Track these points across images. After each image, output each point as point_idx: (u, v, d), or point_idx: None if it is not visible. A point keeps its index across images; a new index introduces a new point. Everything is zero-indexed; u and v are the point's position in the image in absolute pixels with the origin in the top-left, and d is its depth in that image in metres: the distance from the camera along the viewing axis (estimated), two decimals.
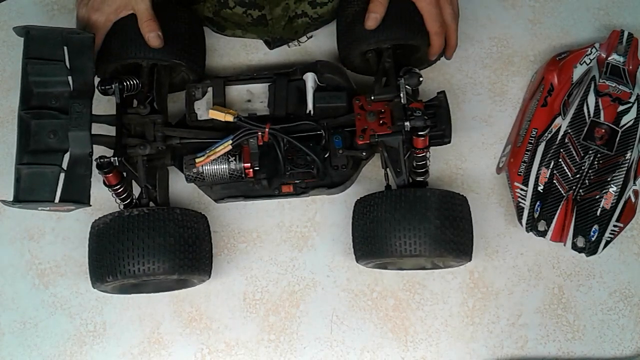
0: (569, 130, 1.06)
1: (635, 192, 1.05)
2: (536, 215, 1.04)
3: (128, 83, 1.00)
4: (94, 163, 0.95)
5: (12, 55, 1.19)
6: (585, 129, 1.06)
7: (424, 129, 0.96)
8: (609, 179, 1.04)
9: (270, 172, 1.01)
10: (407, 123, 0.97)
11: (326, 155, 1.02)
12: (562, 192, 1.04)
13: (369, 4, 1.02)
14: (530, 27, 1.19)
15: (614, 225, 1.03)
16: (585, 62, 1.11)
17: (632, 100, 1.07)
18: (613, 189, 1.03)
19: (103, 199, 1.07)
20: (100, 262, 0.94)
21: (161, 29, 1.01)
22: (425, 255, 0.94)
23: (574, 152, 1.06)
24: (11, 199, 0.94)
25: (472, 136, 1.13)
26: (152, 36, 1.00)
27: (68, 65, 0.97)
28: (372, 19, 1.01)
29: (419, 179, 1.02)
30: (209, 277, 1.01)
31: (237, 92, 1.06)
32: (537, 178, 1.05)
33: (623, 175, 1.04)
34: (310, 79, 1.04)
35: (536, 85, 1.13)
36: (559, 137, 1.06)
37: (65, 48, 0.97)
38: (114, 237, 0.94)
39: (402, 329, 1.05)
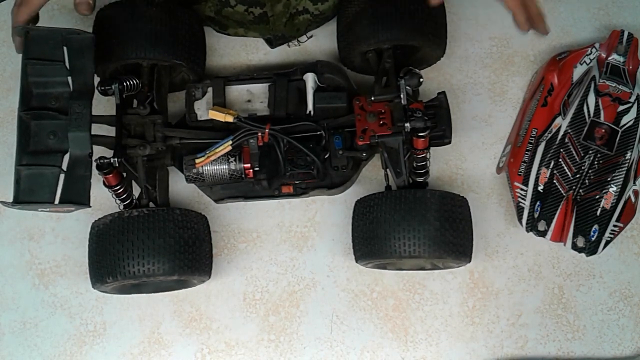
0: (569, 130, 1.06)
1: (635, 192, 1.05)
2: (536, 215, 1.04)
3: (128, 83, 1.00)
4: (94, 164, 0.95)
5: (12, 55, 1.19)
6: (585, 128, 1.06)
7: (424, 129, 0.96)
8: (609, 179, 1.04)
9: (270, 173, 1.01)
10: (407, 124, 0.97)
11: (326, 156, 1.02)
12: (562, 192, 1.04)
13: None
14: None
15: (614, 225, 1.03)
16: (585, 62, 1.11)
17: (632, 100, 1.07)
18: (613, 189, 1.03)
19: (103, 200, 1.07)
20: (100, 263, 0.94)
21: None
22: (424, 257, 0.94)
23: (574, 152, 1.06)
24: (11, 200, 0.94)
25: (472, 136, 1.13)
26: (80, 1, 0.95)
27: (68, 66, 0.97)
28: None
29: (419, 179, 1.02)
30: (209, 277, 1.01)
31: (237, 92, 1.06)
32: (537, 178, 1.05)
33: (623, 175, 1.04)
34: (310, 79, 1.04)
35: (536, 85, 1.13)
36: (559, 137, 1.06)
37: (65, 48, 0.97)
38: (114, 238, 0.94)
39: (402, 329, 1.05)
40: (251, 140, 0.99)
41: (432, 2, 0.97)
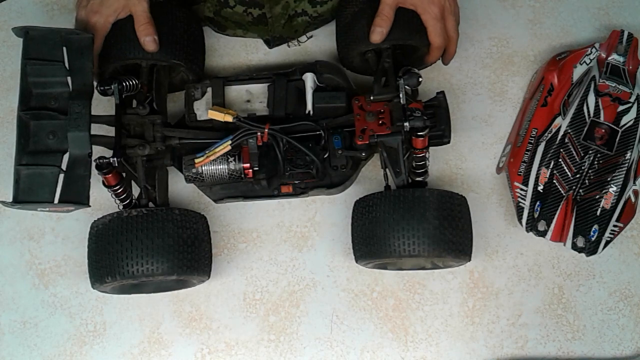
0: (569, 130, 1.06)
1: (635, 192, 1.05)
2: (536, 215, 1.04)
3: (127, 83, 1.00)
4: (93, 164, 0.95)
5: (12, 55, 1.19)
6: (585, 128, 1.06)
7: (423, 129, 0.96)
8: (609, 179, 1.04)
9: (269, 173, 1.01)
10: (406, 123, 0.97)
11: (325, 156, 1.02)
12: (562, 192, 1.04)
13: (375, 18, 1.02)
14: (530, 27, 1.19)
15: (614, 225, 1.03)
16: (585, 62, 1.11)
17: (632, 100, 1.07)
18: (613, 189, 1.03)
19: (103, 200, 1.07)
20: (99, 263, 0.94)
21: (157, 33, 1.01)
22: (424, 256, 0.94)
23: (574, 152, 1.05)
24: (11, 199, 0.94)
25: (472, 136, 1.13)
26: (148, 40, 1.01)
27: (67, 66, 0.97)
28: (378, 33, 1.02)
29: (418, 179, 1.02)
30: (209, 277, 1.01)
31: (236, 92, 1.06)
32: (537, 178, 1.05)
33: (623, 175, 1.04)
34: (309, 79, 1.04)
35: (536, 85, 1.13)
36: (559, 137, 1.06)
37: (64, 49, 0.97)
38: (113, 238, 0.94)
39: (402, 329, 1.05)
40: (250, 140, 0.99)
41: (374, 38, 1.02)
